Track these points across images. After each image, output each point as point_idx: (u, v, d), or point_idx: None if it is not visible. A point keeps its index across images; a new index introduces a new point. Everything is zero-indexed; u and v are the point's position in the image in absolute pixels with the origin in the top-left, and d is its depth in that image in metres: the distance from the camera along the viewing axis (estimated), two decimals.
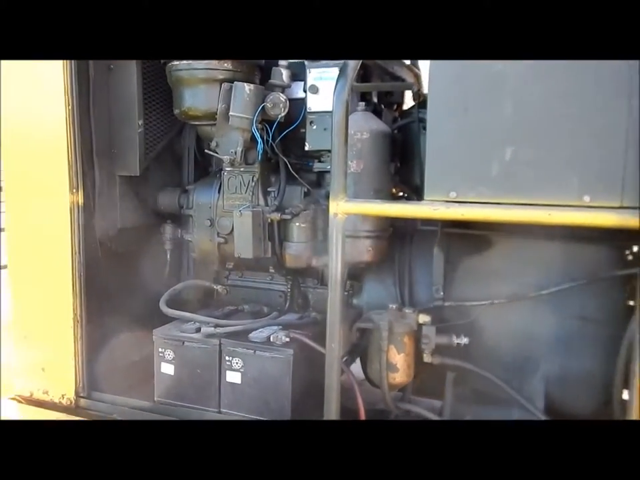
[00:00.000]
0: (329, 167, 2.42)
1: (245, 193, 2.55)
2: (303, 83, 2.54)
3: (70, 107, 2.42)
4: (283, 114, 2.40)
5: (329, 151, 2.34)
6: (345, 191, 1.85)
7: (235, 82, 2.38)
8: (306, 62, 2.43)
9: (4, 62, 2.44)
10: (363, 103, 2.33)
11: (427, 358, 2.10)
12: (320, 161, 2.50)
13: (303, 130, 2.49)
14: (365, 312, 2.34)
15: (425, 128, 1.90)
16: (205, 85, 2.46)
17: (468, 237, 2.27)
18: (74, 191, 2.47)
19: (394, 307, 2.17)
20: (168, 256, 2.89)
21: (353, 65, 1.79)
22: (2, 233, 2.64)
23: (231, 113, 2.39)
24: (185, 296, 2.84)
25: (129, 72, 2.64)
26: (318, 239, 2.48)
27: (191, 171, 3.05)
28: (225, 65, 2.42)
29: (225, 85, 2.41)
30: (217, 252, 2.65)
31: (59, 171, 2.46)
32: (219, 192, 2.63)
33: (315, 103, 2.42)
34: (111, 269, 2.62)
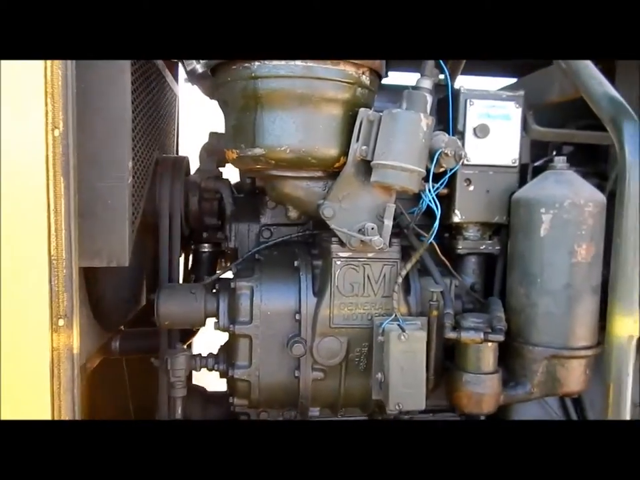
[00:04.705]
0: (481, 246, 1.66)
1: (376, 295, 1.50)
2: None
3: None
4: (457, 167, 1.49)
5: (485, 225, 1.62)
6: None
7: (398, 111, 1.37)
8: (462, 88, 1.58)
9: None
10: (564, 158, 1.59)
11: None
12: (465, 238, 1.66)
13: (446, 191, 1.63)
14: None
15: None
16: (314, 108, 1.38)
17: None
18: None
19: None
20: (178, 408, 1.57)
21: None
22: None
23: (381, 161, 1.37)
24: None
25: (114, 75, 1.32)
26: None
27: (176, 249, 1.76)
28: (362, 71, 1.39)
29: (368, 113, 1.38)
30: (306, 394, 1.51)
31: None
32: (316, 294, 1.50)
33: (480, 153, 1.60)
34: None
